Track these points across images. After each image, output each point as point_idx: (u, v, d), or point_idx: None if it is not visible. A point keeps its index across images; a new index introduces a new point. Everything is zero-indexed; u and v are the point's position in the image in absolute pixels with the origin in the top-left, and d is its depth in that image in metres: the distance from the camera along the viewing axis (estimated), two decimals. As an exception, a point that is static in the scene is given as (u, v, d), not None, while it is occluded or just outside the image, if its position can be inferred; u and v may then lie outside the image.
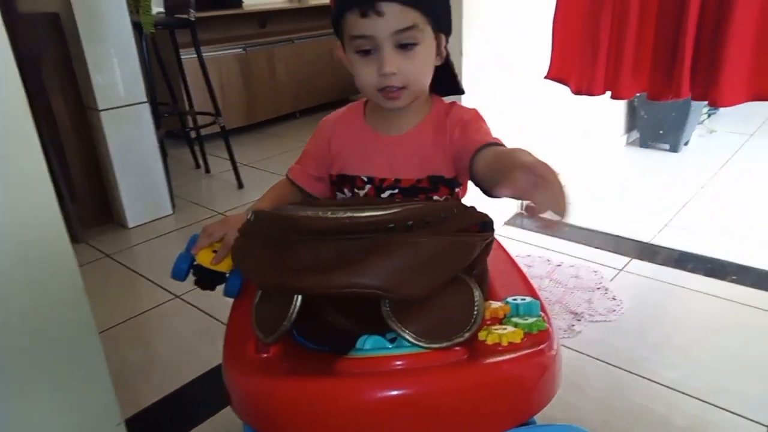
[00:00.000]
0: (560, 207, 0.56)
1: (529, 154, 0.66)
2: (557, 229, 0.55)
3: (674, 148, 2.94)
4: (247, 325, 0.71)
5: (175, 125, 3.14)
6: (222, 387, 0.69)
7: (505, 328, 0.63)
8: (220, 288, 0.88)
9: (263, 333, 0.67)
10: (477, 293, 0.64)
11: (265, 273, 0.65)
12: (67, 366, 1.03)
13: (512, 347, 0.61)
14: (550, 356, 0.63)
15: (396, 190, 0.84)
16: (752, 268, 1.83)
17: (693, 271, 1.84)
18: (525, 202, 0.57)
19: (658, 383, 1.35)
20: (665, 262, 1.90)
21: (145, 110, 2.38)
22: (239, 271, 0.84)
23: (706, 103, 1.54)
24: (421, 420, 0.57)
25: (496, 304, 0.68)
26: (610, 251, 1.99)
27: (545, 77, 1.78)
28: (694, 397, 1.30)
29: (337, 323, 0.67)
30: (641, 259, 1.93)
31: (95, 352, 1.07)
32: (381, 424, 0.56)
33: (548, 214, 0.56)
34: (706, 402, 1.28)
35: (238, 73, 3.71)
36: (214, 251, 0.86)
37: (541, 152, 0.66)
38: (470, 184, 0.85)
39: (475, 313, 0.63)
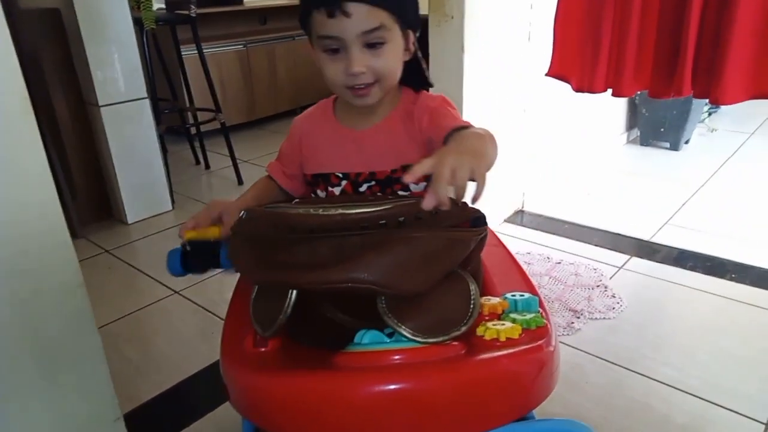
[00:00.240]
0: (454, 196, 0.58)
1: (469, 138, 0.68)
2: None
3: (675, 147, 2.94)
4: (245, 320, 0.71)
5: (176, 121, 3.14)
6: (220, 382, 0.69)
7: (503, 324, 0.63)
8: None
9: (261, 327, 0.67)
10: (473, 287, 0.64)
11: (260, 269, 0.65)
12: (66, 361, 1.03)
13: (510, 343, 0.61)
14: (548, 352, 0.63)
15: (372, 183, 0.84)
16: (751, 266, 1.83)
17: (692, 269, 1.84)
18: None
19: (657, 381, 1.35)
20: (665, 260, 1.90)
21: (146, 106, 2.38)
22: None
23: (707, 101, 1.54)
24: (419, 414, 0.57)
25: (494, 300, 0.68)
26: (609, 249, 1.99)
27: (546, 74, 1.77)
28: (693, 395, 1.30)
29: (335, 318, 0.67)
30: (641, 257, 1.93)
31: (94, 348, 1.07)
32: (379, 418, 0.56)
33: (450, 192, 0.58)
34: (705, 399, 1.28)
35: (239, 70, 3.70)
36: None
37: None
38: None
39: (471, 307, 0.63)
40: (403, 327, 0.60)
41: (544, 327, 0.64)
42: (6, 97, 0.89)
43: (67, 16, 2.18)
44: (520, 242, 2.07)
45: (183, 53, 2.89)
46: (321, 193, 0.88)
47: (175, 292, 1.84)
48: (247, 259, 0.67)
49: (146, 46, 2.54)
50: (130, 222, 2.41)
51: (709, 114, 3.21)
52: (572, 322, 1.58)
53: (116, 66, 2.26)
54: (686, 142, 2.98)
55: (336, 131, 0.88)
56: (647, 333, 1.54)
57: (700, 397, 1.29)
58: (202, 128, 3.03)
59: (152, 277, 1.96)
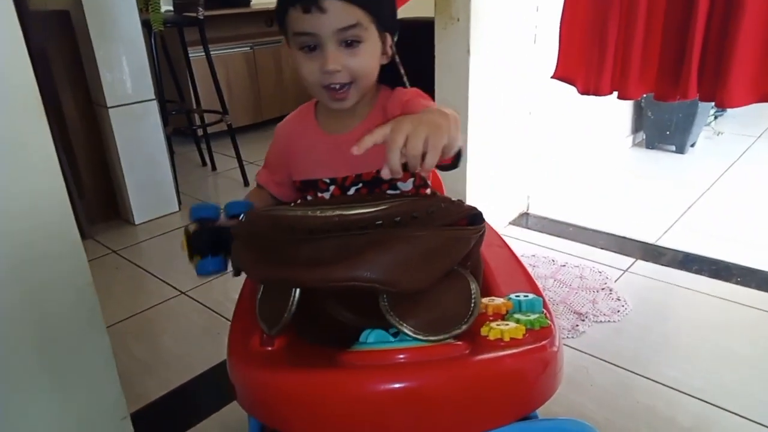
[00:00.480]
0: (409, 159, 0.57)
1: (432, 112, 0.65)
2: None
3: (680, 150, 2.93)
4: (251, 320, 0.72)
5: (183, 123, 3.16)
6: (227, 382, 0.70)
7: (507, 324, 0.64)
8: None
9: (267, 326, 0.68)
10: (473, 285, 0.65)
11: (263, 268, 0.66)
12: (75, 359, 1.04)
13: (514, 343, 0.61)
14: (552, 352, 0.63)
15: (360, 185, 0.85)
16: (757, 270, 1.82)
17: (698, 272, 1.84)
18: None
19: (662, 383, 1.35)
20: (670, 264, 1.90)
21: (153, 107, 2.40)
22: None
23: (713, 104, 1.53)
24: (424, 412, 0.57)
25: (498, 301, 0.68)
26: (614, 252, 1.99)
27: (552, 77, 1.78)
28: (698, 398, 1.30)
29: (339, 316, 0.67)
30: (646, 260, 1.93)
31: (102, 346, 1.08)
32: (384, 416, 0.57)
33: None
34: (710, 402, 1.28)
35: (245, 72, 3.72)
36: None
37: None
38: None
39: (472, 305, 0.63)
40: (405, 325, 0.60)
41: (548, 327, 0.65)
42: (19, 97, 0.90)
43: (76, 18, 2.21)
44: (524, 245, 2.07)
45: (190, 55, 2.91)
46: (309, 198, 0.89)
47: (182, 292, 1.86)
48: (250, 258, 0.68)
49: (154, 47, 2.56)
50: (137, 222, 2.42)
51: (715, 117, 3.20)
52: (577, 325, 1.58)
53: (124, 67, 2.28)
54: (692, 145, 2.98)
55: (318, 137, 0.88)
56: (652, 336, 1.54)
57: (704, 400, 1.29)
58: (209, 130, 3.04)
59: (159, 278, 1.97)
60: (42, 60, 2.15)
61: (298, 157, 0.90)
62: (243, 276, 0.86)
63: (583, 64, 1.69)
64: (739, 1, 1.35)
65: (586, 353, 1.47)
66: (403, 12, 1.30)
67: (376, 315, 0.62)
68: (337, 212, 0.63)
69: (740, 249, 1.95)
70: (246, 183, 2.84)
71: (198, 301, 1.80)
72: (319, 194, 0.87)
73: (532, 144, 2.24)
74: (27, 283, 0.95)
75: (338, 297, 0.68)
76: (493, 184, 2.12)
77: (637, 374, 1.39)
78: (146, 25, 2.40)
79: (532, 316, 0.66)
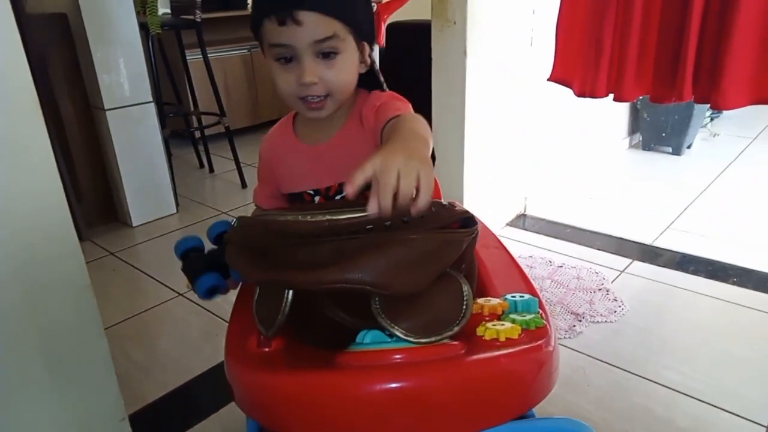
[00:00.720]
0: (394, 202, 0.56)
1: (412, 139, 0.64)
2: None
3: (677, 151, 2.95)
4: (248, 321, 0.72)
5: (180, 125, 3.17)
6: (225, 383, 0.70)
7: (503, 324, 0.64)
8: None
9: (263, 327, 0.68)
10: (466, 288, 0.65)
11: (257, 269, 0.66)
12: (74, 360, 1.05)
13: (510, 342, 0.62)
14: (548, 352, 0.63)
15: (344, 194, 0.84)
16: (754, 270, 1.83)
17: (695, 273, 1.84)
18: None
19: (659, 384, 1.36)
20: (667, 264, 1.91)
21: (151, 110, 2.40)
22: None
23: (709, 106, 1.54)
24: (420, 412, 0.58)
25: (494, 301, 0.69)
26: (611, 253, 2.00)
27: (548, 79, 1.78)
28: (695, 398, 1.30)
29: (336, 317, 0.68)
30: (643, 261, 1.94)
31: (101, 348, 1.08)
32: (380, 415, 0.57)
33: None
34: (707, 403, 1.29)
35: (243, 74, 3.73)
36: None
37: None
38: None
39: (464, 307, 0.63)
40: (397, 327, 0.61)
41: (544, 327, 0.65)
42: (17, 101, 0.91)
43: (74, 21, 2.21)
44: (522, 246, 2.08)
45: (188, 58, 2.91)
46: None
47: (180, 294, 1.86)
48: (244, 261, 0.68)
49: (152, 50, 2.56)
50: (134, 225, 2.43)
51: (712, 119, 3.22)
52: (574, 326, 1.58)
53: (122, 70, 2.29)
54: (688, 147, 2.99)
55: (298, 150, 0.88)
56: (649, 336, 1.54)
57: (702, 401, 1.30)
58: (207, 132, 3.05)
59: (157, 280, 1.97)
60: (40, 63, 2.16)
61: (281, 171, 0.90)
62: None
63: (579, 66, 1.70)
64: (734, 3, 1.36)
65: (583, 354, 1.47)
66: (399, 15, 1.31)
67: (372, 316, 0.62)
68: (327, 217, 0.64)
69: (737, 250, 1.96)
70: (244, 185, 2.85)
71: (196, 303, 1.80)
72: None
73: (529, 146, 2.24)
74: (26, 285, 0.95)
75: (334, 299, 0.69)
76: (491, 186, 2.13)
77: (635, 374, 1.39)
78: (144, 27, 2.41)
79: (528, 317, 0.66)
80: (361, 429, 0.59)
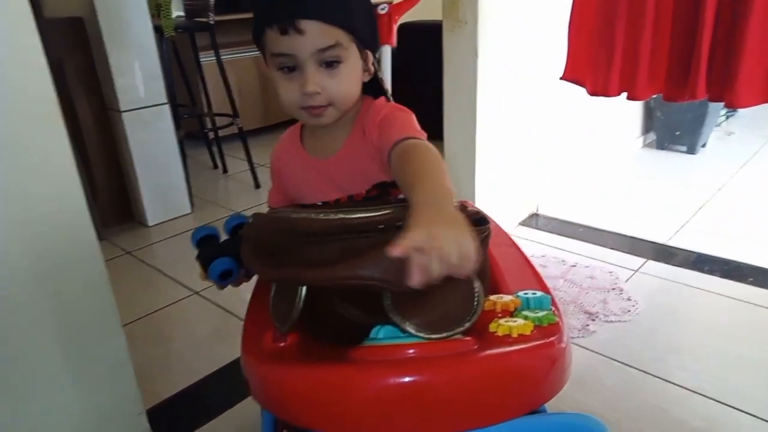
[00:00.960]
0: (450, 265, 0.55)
1: (445, 201, 0.61)
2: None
3: (691, 150, 2.92)
4: (264, 318, 0.73)
5: (194, 127, 3.20)
6: (240, 379, 0.71)
7: (515, 321, 0.64)
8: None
9: (279, 323, 0.69)
10: (477, 284, 0.65)
11: (270, 268, 0.67)
12: (93, 356, 1.07)
13: (522, 339, 0.62)
14: (560, 348, 0.64)
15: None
16: (770, 270, 1.81)
17: (710, 272, 1.83)
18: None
19: (673, 383, 1.35)
20: (681, 264, 1.89)
21: (166, 111, 2.43)
22: None
23: (723, 104, 1.53)
24: (433, 406, 0.58)
25: (507, 298, 0.69)
26: (625, 252, 1.99)
27: (561, 78, 1.78)
28: (710, 398, 1.29)
29: (348, 313, 0.69)
30: (657, 261, 1.93)
31: (119, 345, 1.11)
32: (393, 409, 0.58)
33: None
34: (722, 402, 1.28)
35: (256, 76, 3.76)
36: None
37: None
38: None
39: (476, 303, 0.64)
40: (408, 323, 0.61)
41: (556, 324, 0.65)
42: (37, 102, 0.93)
43: (90, 25, 2.25)
44: (535, 245, 2.08)
45: (201, 60, 2.94)
46: None
47: (195, 292, 1.88)
48: (258, 259, 0.69)
49: (166, 53, 2.59)
50: (150, 224, 2.46)
51: (727, 117, 3.19)
52: (587, 325, 1.58)
53: (137, 72, 2.32)
54: (703, 146, 2.96)
55: (305, 162, 0.87)
56: (663, 336, 1.54)
57: (716, 400, 1.29)
58: (220, 133, 3.08)
59: (172, 278, 2.00)
60: (57, 66, 2.20)
61: (289, 181, 0.91)
62: (256, 276, 0.88)
63: (592, 65, 1.70)
64: (747, 0, 1.36)
65: (596, 353, 1.47)
66: (410, 16, 1.32)
67: (383, 312, 0.63)
68: (340, 215, 0.64)
69: (753, 249, 1.94)
70: (257, 185, 2.87)
71: (211, 301, 1.82)
72: None
73: (541, 145, 2.24)
74: (48, 284, 0.98)
75: (346, 295, 0.70)
76: (502, 186, 2.13)
77: (648, 374, 1.39)
78: (158, 30, 2.44)
79: (541, 313, 0.67)
80: (374, 422, 0.60)
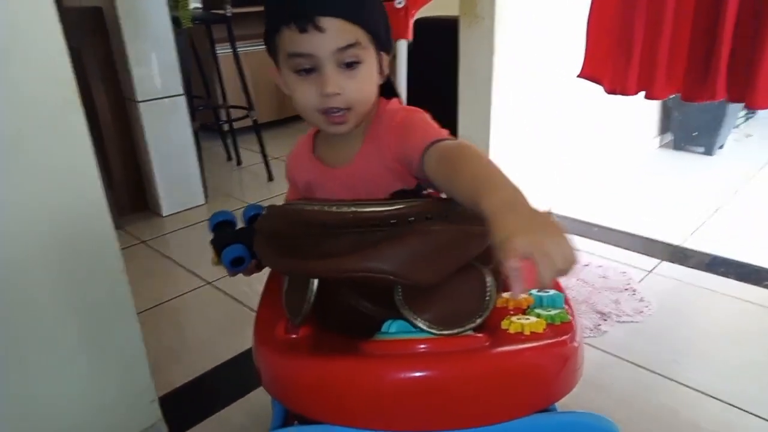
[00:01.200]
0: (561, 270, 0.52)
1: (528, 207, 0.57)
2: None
3: (708, 152, 2.88)
4: (276, 308, 0.74)
5: (209, 119, 3.22)
6: (251, 369, 0.72)
7: (528, 318, 0.64)
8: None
9: (291, 315, 0.70)
10: (489, 280, 0.64)
11: (282, 260, 0.67)
12: (108, 344, 1.09)
13: (534, 336, 0.62)
14: (572, 347, 0.64)
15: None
16: (786, 274, 1.79)
17: (724, 275, 1.81)
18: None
19: (685, 385, 1.34)
20: (696, 266, 1.87)
21: (182, 102, 2.45)
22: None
23: (742, 105, 1.51)
24: (443, 401, 0.58)
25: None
26: (639, 253, 1.97)
27: (578, 76, 1.77)
28: (724, 401, 1.28)
29: (360, 307, 0.69)
30: (671, 262, 1.91)
31: (134, 333, 1.12)
32: (403, 403, 0.58)
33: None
34: (735, 406, 1.27)
35: (271, 69, 3.77)
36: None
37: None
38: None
39: (487, 299, 0.63)
40: (419, 318, 0.61)
41: (569, 323, 0.65)
42: (58, 90, 0.95)
43: (108, 15, 2.26)
44: (547, 244, 2.06)
45: (218, 52, 2.96)
46: None
47: (208, 282, 1.90)
48: (271, 251, 0.70)
49: (183, 44, 2.61)
50: (165, 214, 2.48)
51: (746, 119, 3.14)
52: (599, 324, 1.57)
53: (154, 63, 2.34)
54: (720, 148, 2.92)
55: (320, 172, 0.84)
56: (676, 337, 1.52)
57: (730, 404, 1.27)
58: (235, 125, 3.09)
59: (185, 268, 2.02)
60: (75, 55, 2.21)
61: (304, 189, 0.89)
62: (268, 268, 0.89)
63: (610, 63, 1.68)
64: (771, 0, 1.33)
65: (607, 353, 1.46)
66: (426, 11, 1.31)
67: (395, 306, 0.63)
68: (352, 209, 0.64)
69: (769, 252, 1.92)
70: (270, 178, 2.89)
71: (224, 291, 1.83)
72: None
73: (556, 144, 2.22)
74: (65, 271, 1.00)
75: (357, 288, 0.70)
76: (516, 183, 2.11)
77: (660, 375, 1.38)
78: (175, 21, 2.45)
79: (553, 312, 0.67)
80: (382, 415, 0.60)
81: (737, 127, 3.06)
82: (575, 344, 0.65)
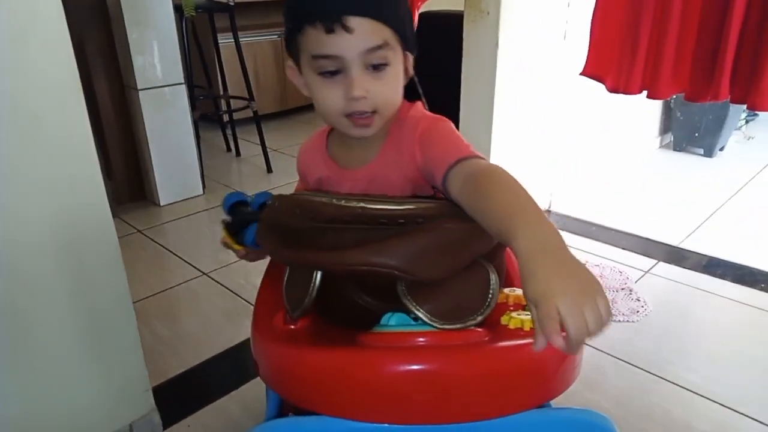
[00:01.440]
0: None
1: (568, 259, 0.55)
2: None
3: (709, 153, 2.88)
4: (275, 299, 0.74)
5: (209, 109, 3.21)
6: (245, 361, 0.72)
7: (527, 314, 0.64)
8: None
9: (291, 308, 0.69)
10: (493, 277, 0.64)
11: (285, 249, 0.66)
12: (103, 332, 1.08)
13: (534, 332, 0.62)
14: (571, 344, 0.63)
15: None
16: (783, 277, 1.79)
17: (721, 277, 1.81)
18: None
19: (680, 386, 1.34)
20: (693, 267, 1.88)
21: (182, 91, 2.44)
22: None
23: (744, 107, 1.51)
24: (441, 394, 0.58)
25: (519, 291, 0.69)
26: (636, 253, 1.97)
27: (581, 73, 1.76)
28: (717, 402, 1.29)
29: (359, 300, 0.69)
30: (668, 263, 1.91)
31: (129, 322, 1.11)
32: (400, 395, 0.58)
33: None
34: (729, 407, 1.27)
35: (273, 60, 3.75)
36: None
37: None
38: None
39: (490, 296, 0.63)
40: (421, 310, 0.61)
41: (568, 320, 0.65)
42: (60, 78, 0.94)
43: (111, 3, 2.25)
44: (545, 242, 2.06)
45: (219, 41, 2.94)
46: None
47: (204, 273, 1.89)
48: (274, 241, 0.69)
49: (185, 33, 2.59)
50: (162, 204, 2.47)
51: (747, 121, 3.14)
52: (595, 324, 1.57)
53: (156, 52, 2.32)
54: (721, 149, 2.92)
55: (332, 171, 0.81)
56: (672, 338, 1.53)
57: (723, 405, 1.28)
58: (235, 116, 3.08)
59: (182, 258, 2.01)
60: (77, 43, 2.20)
61: (315, 186, 0.86)
62: (267, 258, 0.88)
63: (614, 61, 1.67)
64: (777, 2, 1.33)
65: (603, 352, 1.46)
66: (431, 5, 1.30)
67: (395, 300, 0.63)
68: (361, 204, 0.63)
69: (766, 255, 1.91)
70: (269, 169, 2.88)
71: (219, 283, 1.83)
72: None
73: (557, 141, 2.22)
74: (63, 258, 0.99)
75: (358, 282, 0.69)
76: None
77: (655, 375, 1.38)
78: (178, 10, 2.44)
79: (553, 308, 0.66)
80: (380, 408, 0.60)
81: (739, 128, 3.07)
82: (574, 341, 0.64)
